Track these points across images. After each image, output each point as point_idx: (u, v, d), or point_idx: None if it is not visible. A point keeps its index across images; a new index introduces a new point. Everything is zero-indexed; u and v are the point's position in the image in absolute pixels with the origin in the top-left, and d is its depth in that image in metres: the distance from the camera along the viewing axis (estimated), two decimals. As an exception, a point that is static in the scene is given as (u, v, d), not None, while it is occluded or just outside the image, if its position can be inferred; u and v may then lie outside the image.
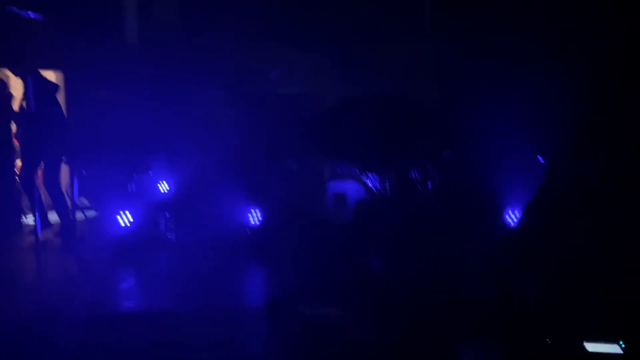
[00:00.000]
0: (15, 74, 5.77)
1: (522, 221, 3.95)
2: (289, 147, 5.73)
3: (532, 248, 3.87)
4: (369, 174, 5.91)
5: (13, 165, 6.44)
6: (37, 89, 4.86)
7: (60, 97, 7.77)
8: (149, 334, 3.28)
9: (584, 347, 2.76)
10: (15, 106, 6.42)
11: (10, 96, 6.40)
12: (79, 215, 6.11)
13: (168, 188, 6.51)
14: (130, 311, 3.95)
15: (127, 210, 5.82)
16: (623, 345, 2.77)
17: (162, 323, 3.50)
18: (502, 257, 4.20)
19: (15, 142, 6.78)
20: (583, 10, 3.71)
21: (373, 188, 5.77)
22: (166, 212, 6.00)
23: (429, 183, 6.32)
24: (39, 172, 5.95)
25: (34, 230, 5.34)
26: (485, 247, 5.09)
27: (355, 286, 4.27)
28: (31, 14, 3.22)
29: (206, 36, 7.01)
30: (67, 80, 7.39)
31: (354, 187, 5.80)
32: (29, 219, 6.22)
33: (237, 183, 6.01)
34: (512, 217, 5.16)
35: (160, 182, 6.80)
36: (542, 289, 3.70)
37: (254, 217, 5.78)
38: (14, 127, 6.89)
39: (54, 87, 5.83)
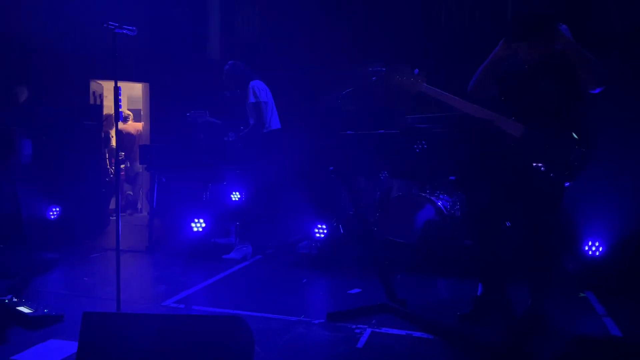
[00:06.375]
0: None
1: None
2: (358, 164, 5.78)
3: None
4: (440, 195, 5.79)
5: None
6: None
7: (145, 110, 8.29)
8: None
9: None
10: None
11: None
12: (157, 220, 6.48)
13: (239, 197, 6.77)
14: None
15: (201, 217, 6.13)
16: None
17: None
18: None
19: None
20: None
21: (442, 209, 5.63)
22: (237, 221, 6.21)
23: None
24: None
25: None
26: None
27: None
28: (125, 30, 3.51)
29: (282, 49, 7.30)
30: (152, 93, 7.86)
31: (424, 206, 5.70)
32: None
33: (305, 196, 6.14)
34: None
35: (233, 192, 7.06)
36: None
37: (321, 231, 5.83)
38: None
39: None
